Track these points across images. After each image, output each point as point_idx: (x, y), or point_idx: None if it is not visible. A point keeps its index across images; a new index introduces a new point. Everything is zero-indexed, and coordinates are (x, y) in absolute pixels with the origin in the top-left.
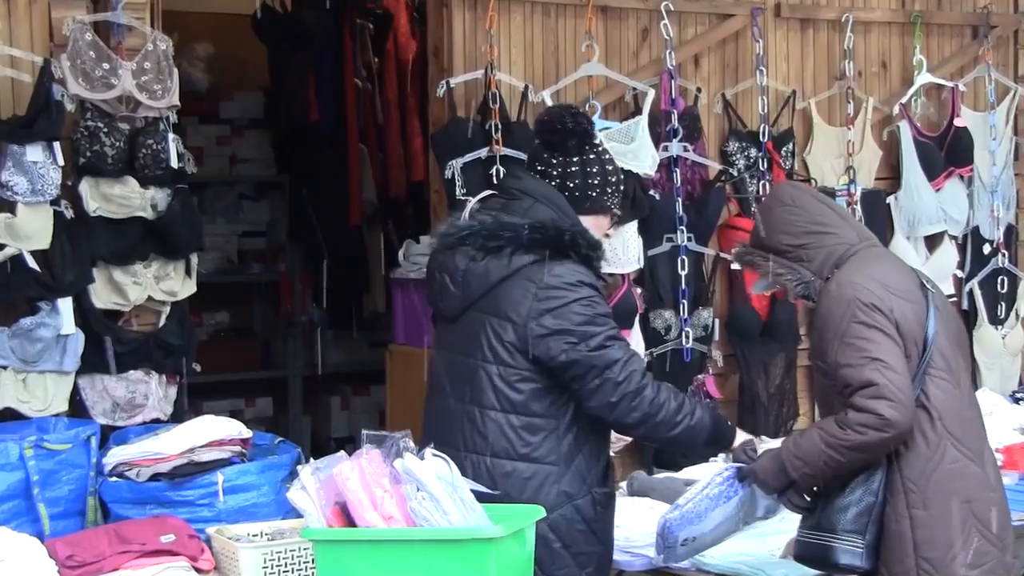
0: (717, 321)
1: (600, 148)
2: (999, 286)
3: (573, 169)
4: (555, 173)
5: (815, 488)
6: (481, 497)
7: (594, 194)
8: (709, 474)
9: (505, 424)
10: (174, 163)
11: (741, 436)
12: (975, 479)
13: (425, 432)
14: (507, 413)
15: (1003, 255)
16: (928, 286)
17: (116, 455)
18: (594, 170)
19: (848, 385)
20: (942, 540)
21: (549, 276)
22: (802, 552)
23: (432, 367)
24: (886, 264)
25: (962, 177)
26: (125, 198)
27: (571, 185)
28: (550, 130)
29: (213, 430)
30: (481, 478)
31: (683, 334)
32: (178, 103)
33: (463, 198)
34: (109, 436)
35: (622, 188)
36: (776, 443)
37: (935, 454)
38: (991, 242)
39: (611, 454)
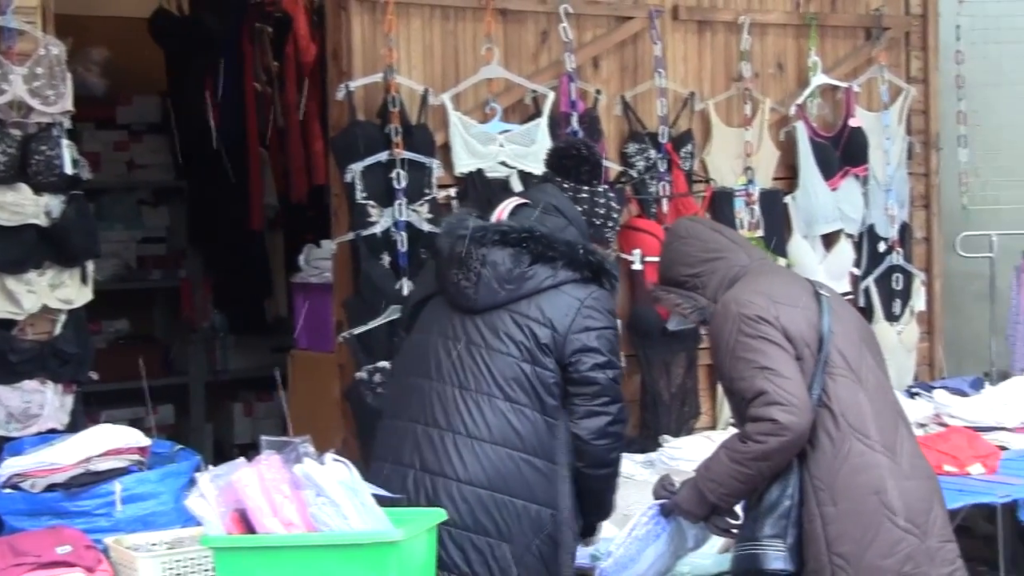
0: (619, 322)
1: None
2: (894, 283)
3: (583, 196)
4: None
5: (736, 507)
6: (382, 501)
7: (599, 223)
8: (635, 516)
9: (539, 422)
10: (68, 169)
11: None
12: (884, 470)
13: (391, 407)
14: (537, 412)
15: (898, 253)
16: (822, 292)
17: (10, 466)
18: (602, 201)
19: (743, 398)
20: (852, 534)
21: (591, 298)
22: (735, 566)
23: (414, 349)
24: (772, 277)
25: (857, 176)
26: (18, 205)
27: (579, 211)
28: (565, 156)
29: (110, 439)
30: (478, 462)
31: None
32: (72, 108)
33: (363, 202)
34: (3, 447)
35: (619, 223)
36: (680, 442)
37: (840, 451)
38: (886, 240)
39: None
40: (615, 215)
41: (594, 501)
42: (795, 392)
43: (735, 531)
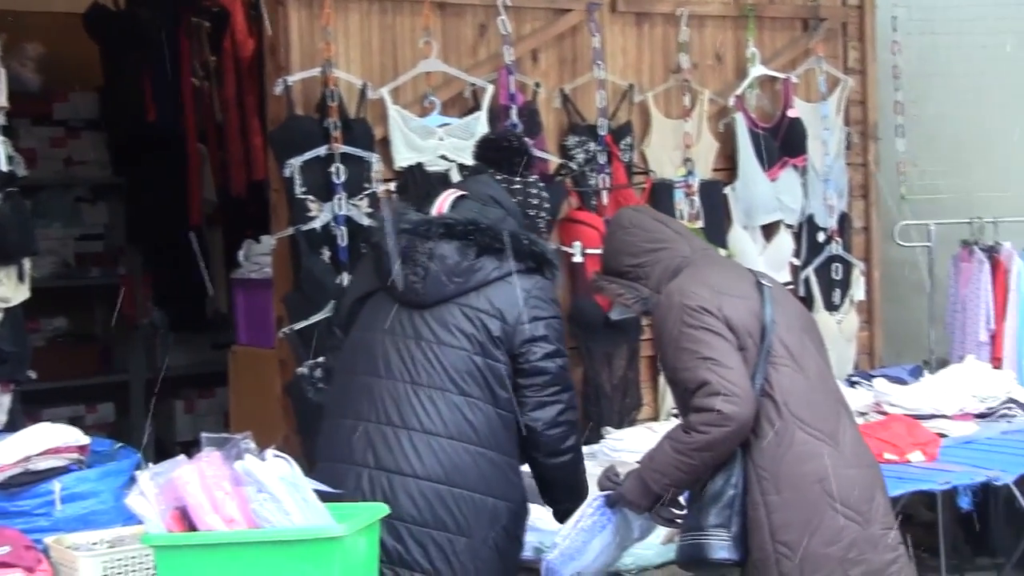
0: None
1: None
2: (833, 273)
3: (516, 187)
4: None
5: (680, 498)
6: (324, 497)
7: (532, 213)
8: (580, 508)
9: (493, 415)
10: (3, 166)
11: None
12: (827, 458)
13: (337, 407)
14: (490, 405)
15: (837, 243)
16: (764, 282)
17: None
18: (534, 191)
19: (687, 388)
20: (796, 522)
21: (537, 288)
22: (680, 557)
23: (359, 347)
24: (715, 268)
25: (796, 167)
26: None
27: (514, 202)
28: (496, 147)
29: (49, 438)
30: (435, 458)
31: None
32: (7, 104)
33: (303, 196)
34: None
35: (553, 213)
36: (622, 433)
37: (783, 439)
38: (825, 230)
39: None
40: (547, 205)
41: (563, 488)
42: (738, 382)
43: (680, 521)
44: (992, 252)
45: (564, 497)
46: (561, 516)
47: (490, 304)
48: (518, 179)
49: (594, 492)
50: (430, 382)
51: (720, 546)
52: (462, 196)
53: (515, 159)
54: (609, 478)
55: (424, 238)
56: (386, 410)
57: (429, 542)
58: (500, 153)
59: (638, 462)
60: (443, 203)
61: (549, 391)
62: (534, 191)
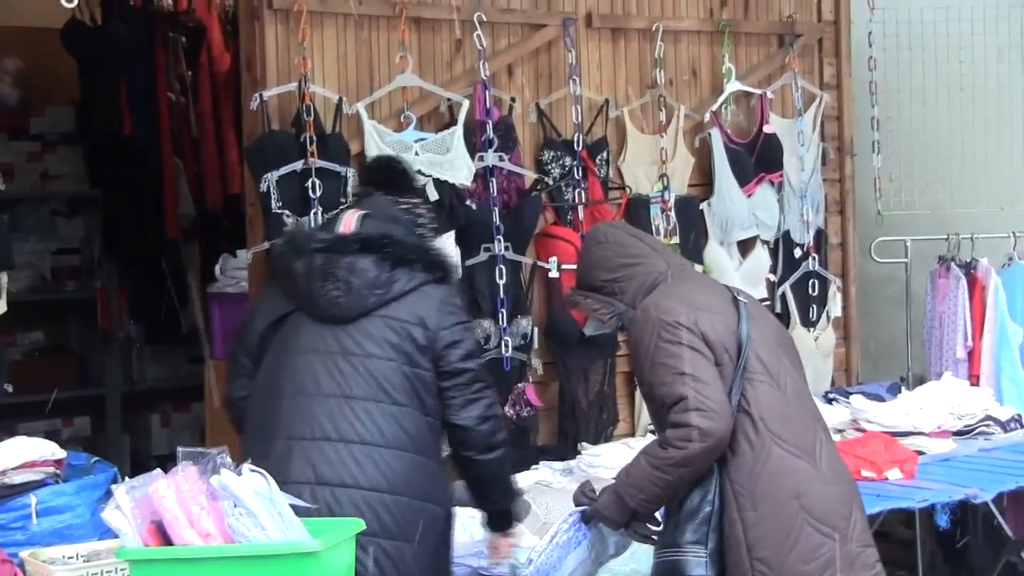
0: (536, 329)
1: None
2: (810, 289)
3: (404, 206)
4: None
5: (656, 514)
6: (299, 512)
7: (419, 232)
8: (555, 523)
9: (423, 423)
10: None
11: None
12: (804, 474)
13: (266, 429)
14: (419, 413)
15: (813, 259)
16: (740, 298)
17: None
18: (419, 211)
19: (663, 403)
20: (773, 538)
21: (448, 295)
22: (656, 573)
23: (281, 369)
24: (691, 284)
25: (772, 183)
26: None
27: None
28: (384, 168)
29: (25, 451)
30: (377, 468)
31: (502, 343)
32: None
33: (279, 211)
34: None
35: (433, 232)
36: (598, 449)
37: (759, 455)
38: (801, 246)
39: None
40: (433, 225)
41: (497, 486)
42: (714, 398)
43: (655, 538)
44: (969, 268)
45: (499, 496)
46: (495, 521)
47: (412, 313)
48: (403, 200)
49: (570, 508)
50: (363, 394)
51: (696, 563)
52: (366, 215)
53: (402, 180)
54: (584, 493)
55: (341, 254)
56: (321, 425)
57: (379, 551)
58: (387, 175)
59: (614, 478)
60: (349, 221)
61: (474, 388)
62: (420, 210)
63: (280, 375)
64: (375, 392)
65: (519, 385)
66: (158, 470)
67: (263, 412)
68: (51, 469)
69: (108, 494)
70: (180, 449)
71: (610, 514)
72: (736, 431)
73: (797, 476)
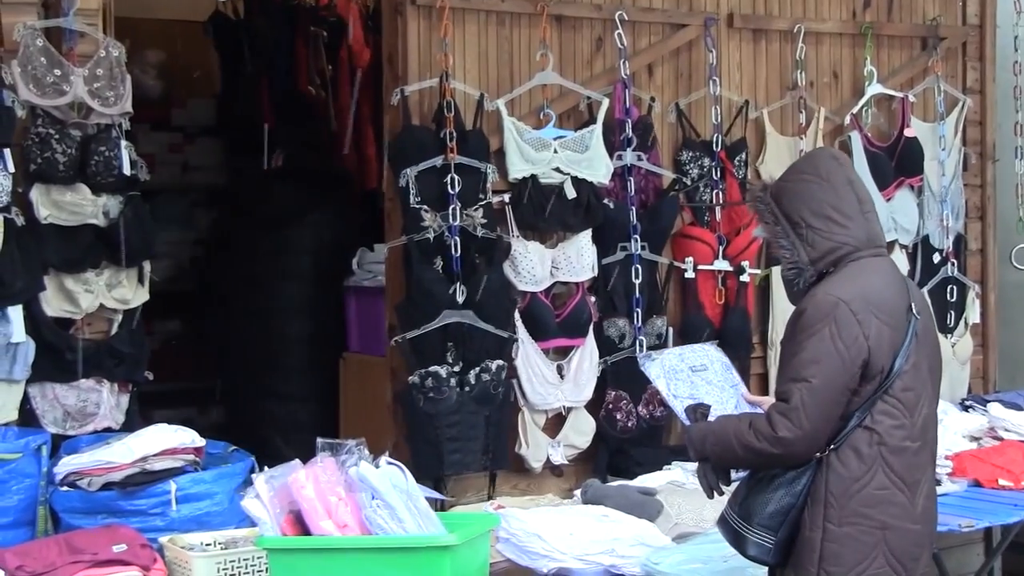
0: (671, 329)
1: None
2: (948, 295)
3: None
4: None
5: (727, 475)
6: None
7: None
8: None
9: None
10: (127, 170)
11: None
12: (899, 508)
13: None
14: None
15: (952, 264)
16: (914, 309)
17: (67, 464)
18: None
19: (778, 386)
20: (848, 559)
21: None
22: (721, 528)
23: None
24: (876, 278)
25: (912, 187)
26: (77, 205)
27: None
28: None
29: (166, 439)
30: None
31: (637, 342)
32: (131, 110)
33: (416, 206)
34: (60, 445)
35: None
36: None
37: (864, 476)
38: (940, 251)
39: (565, 461)
40: None
41: None
42: (813, 418)
43: (718, 494)
44: None
45: None
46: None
47: None
48: None
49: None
50: None
51: (760, 545)
52: None
53: None
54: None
55: None
56: None
57: None
58: None
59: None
60: None
61: None
62: None
63: None
64: None
65: (652, 385)
66: (296, 460)
67: None
68: (191, 457)
69: (246, 482)
70: (319, 440)
71: (691, 443)
72: (849, 443)
73: (891, 510)
